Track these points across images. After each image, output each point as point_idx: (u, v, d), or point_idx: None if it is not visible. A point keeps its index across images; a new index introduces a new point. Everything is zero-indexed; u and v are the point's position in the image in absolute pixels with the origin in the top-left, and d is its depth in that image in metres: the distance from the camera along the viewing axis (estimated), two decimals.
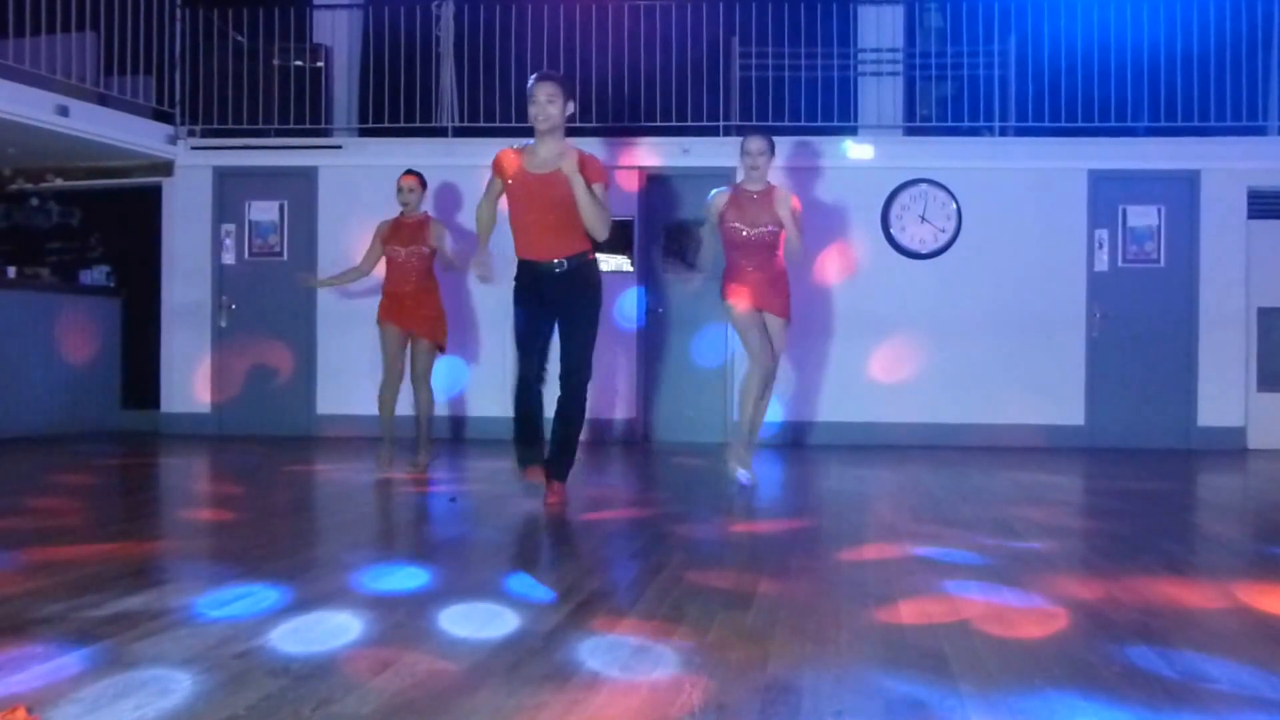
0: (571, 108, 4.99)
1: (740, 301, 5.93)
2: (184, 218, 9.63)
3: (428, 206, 7.16)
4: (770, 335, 5.99)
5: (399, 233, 6.48)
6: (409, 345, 6.45)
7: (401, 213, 6.52)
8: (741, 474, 5.88)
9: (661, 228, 9.38)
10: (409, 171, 6.64)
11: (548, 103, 4.88)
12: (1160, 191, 9.12)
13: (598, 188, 4.87)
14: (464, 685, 2.26)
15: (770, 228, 5.91)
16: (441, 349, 6.54)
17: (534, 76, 5.04)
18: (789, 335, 6.27)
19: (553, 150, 4.93)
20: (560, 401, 5.06)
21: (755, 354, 5.95)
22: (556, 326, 5.04)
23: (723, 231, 5.99)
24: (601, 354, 9.12)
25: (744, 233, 5.91)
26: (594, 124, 9.19)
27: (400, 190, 6.51)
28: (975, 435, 8.98)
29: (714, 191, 6.11)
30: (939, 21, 9.73)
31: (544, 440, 5.10)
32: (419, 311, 6.40)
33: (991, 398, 9.06)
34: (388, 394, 6.44)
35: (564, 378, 5.03)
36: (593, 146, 9.19)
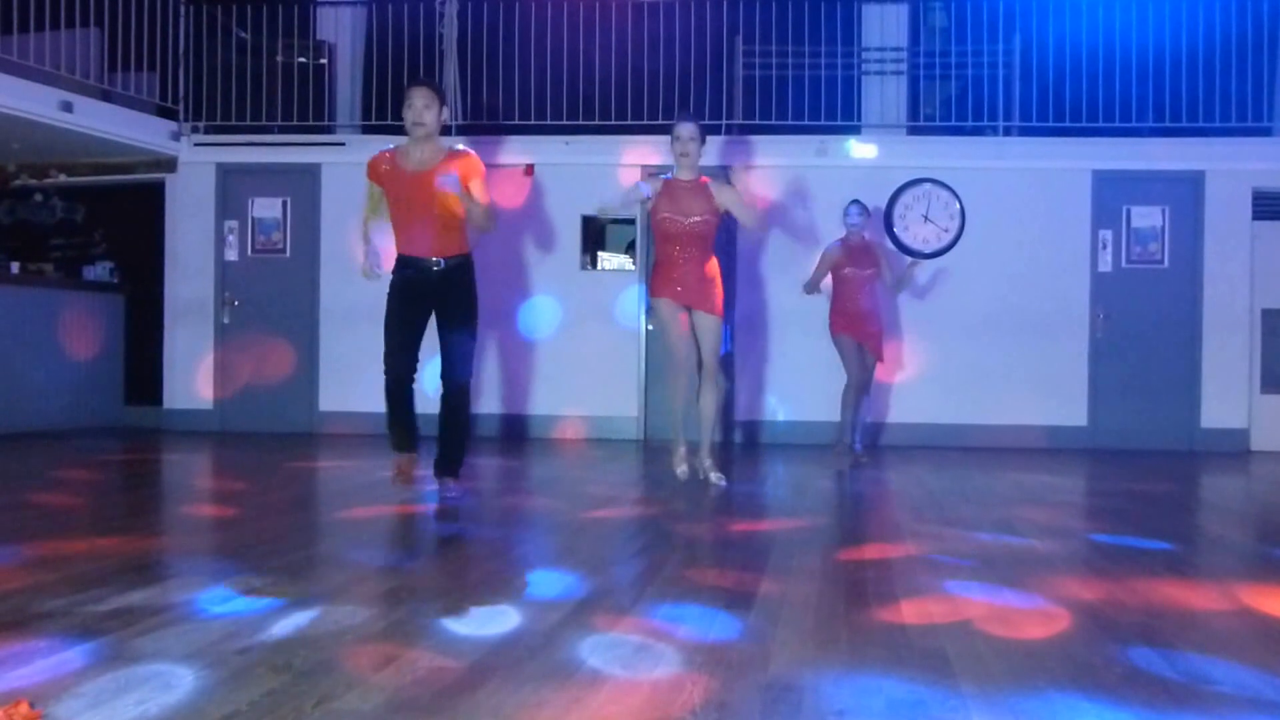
0: (446, 114, 5.08)
1: (669, 298, 5.85)
2: (187, 214, 9.65)
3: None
4: (702, 334, 5.91)
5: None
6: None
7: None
8: (715, 476, 5.94)
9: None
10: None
11: (424, 109, 4.95)
12: (1164, 192, 9.11)
13: (476, 183, 4.97)
14: (465, 682, 2.26)
15: (705, 218, 5.82)
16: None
17: (410, 83, 5.18)
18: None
19: (428, 153, 5.01)
20: (443, 400, 5.08)
21: (675, 353, 5.88)
22: (435, 324, 5.07)
23: (656, 225, 5.90)
24: (603, 352, 9.23)
25: (682, 223, 5.79)
26: (596, 121, 9.19)
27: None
28: (977, 436, 8.97)
29: (644, 180, 6.00)
30: (943, 21, 9.72)
31: (417, 432, 5.23)
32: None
33: (994, 398, 9.05)
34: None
35: (444, 377, 5.06)
36: (594, 144, 9.26)
